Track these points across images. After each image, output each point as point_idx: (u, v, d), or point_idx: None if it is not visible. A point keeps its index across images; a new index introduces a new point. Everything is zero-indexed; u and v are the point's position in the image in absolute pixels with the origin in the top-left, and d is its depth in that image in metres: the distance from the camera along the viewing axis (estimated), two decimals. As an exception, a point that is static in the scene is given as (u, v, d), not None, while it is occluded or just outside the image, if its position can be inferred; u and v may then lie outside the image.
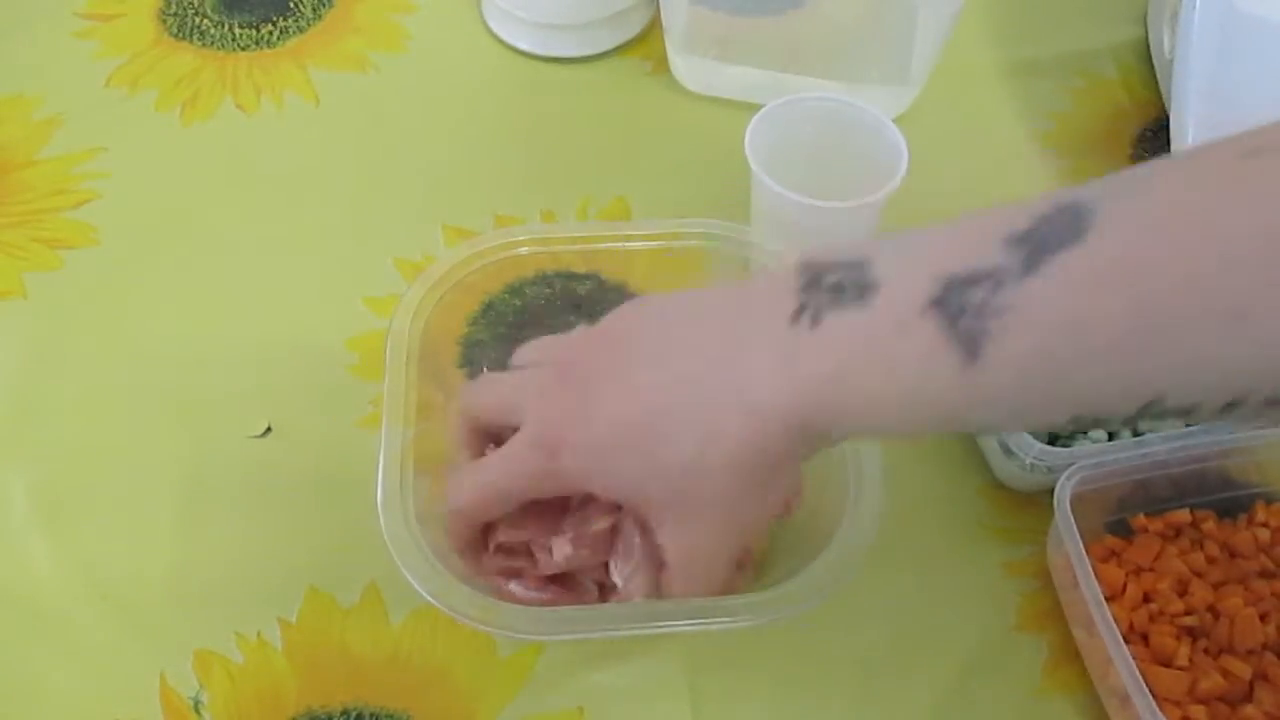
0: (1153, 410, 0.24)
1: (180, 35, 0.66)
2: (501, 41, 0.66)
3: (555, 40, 0.65)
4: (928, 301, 0.26)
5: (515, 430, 0.35)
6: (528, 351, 0.38)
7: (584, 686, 0.42)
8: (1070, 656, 0.43)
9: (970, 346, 0.25)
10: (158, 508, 0.46)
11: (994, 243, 0.26)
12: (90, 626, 0.43)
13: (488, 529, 0.39)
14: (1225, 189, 0.24)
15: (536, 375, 0.36)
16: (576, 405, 0.33)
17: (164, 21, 0.67)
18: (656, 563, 0.36)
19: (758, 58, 0.62)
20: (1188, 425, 0.46)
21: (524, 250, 0.50)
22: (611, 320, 0.35)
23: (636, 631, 0.41)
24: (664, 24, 0.61)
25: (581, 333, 0.36)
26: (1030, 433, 0.45)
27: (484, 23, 0.67)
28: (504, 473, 0.35)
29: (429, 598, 0.38)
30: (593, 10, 0.63)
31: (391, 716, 0.41)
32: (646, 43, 0.66)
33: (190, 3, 0.68)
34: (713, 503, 0.32)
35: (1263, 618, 0.41)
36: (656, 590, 0.37)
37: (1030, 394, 0.26)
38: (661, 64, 0.64)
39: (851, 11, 0.62)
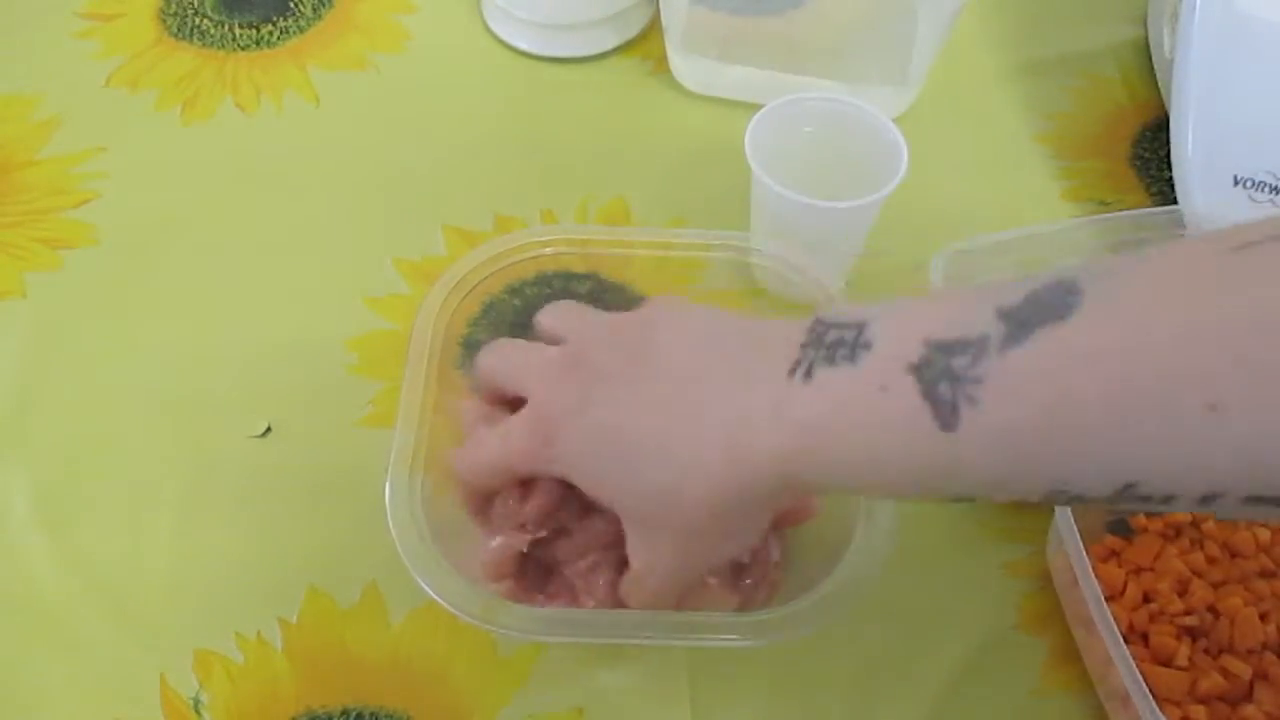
0: (1129, 495, 0.24)
1: (180, 35, 0.66)
2: (501, 41, 0.66)
3: (555, 40, 0.65)
4: (911, 365, 0.27)
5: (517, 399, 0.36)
6: (549, 316, 0.38)
7: (584, 686, 0.42)
8: (1070, 656, 0.43)
9: (947, 413, 0.26)
10: (158, 508, 0.46)
11: (984, 313, 0.26)
12: (90, 626, 0.43)
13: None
14: (1207, 282, 0.24)
15: (546, 356, 0.36)
16: (576, 401, 0.34)
17: (164, 21, 0.67)
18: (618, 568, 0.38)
19: (758, 58, 0.62)
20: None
21: (549, 251, 0.50)
22: (633, 319, 0.36)
23: (638, 641, 0.41)
24: (664, 24, 0.61)
25: (603, 321, 0.37)
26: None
27: (484, 23, 0.67)
28: (501, 451, 0.36)
29: (432, 594, 0.38)
30: (593, 10, 0.63)
31: (391, 716, 0.41)
32: (646, 43, 0.66)
33: (190, 3, 0.68)
34: (679, 530, 0.33)
35: (1263, 617, 0.41)
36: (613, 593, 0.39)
37: (1005, 466, 0.26)
38: (661, 64, 0.64)
39: (851, 11, 0.62)
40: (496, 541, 0.42)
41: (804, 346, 0.30)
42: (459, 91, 0.64)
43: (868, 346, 0.28)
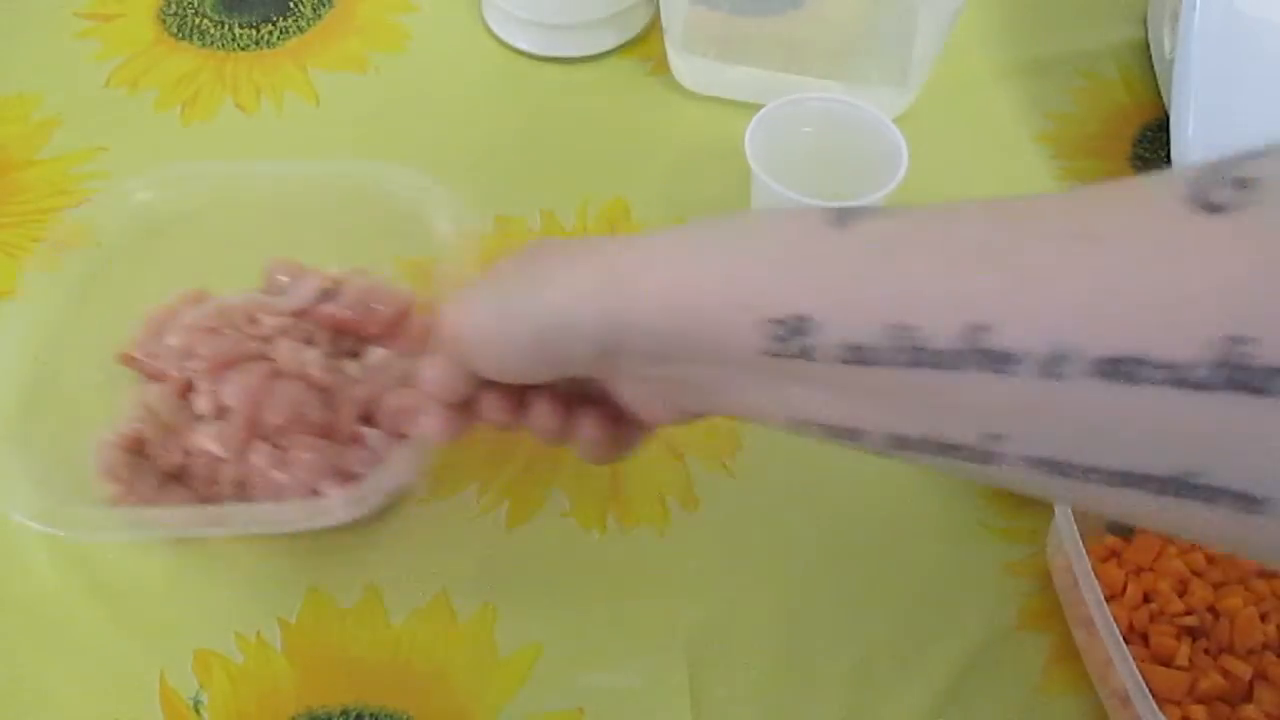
0: (979, 343, 0.21)
1: (180, 35, 0.66)
2: (501, 41, 0.66)
3: (555, 40, 0.65)
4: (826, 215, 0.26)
5: None
6: None
7: (584, 687, 0.42)
8: (1070, 656, 0.43)
9: (841, 216, 0.25)
10: (158, 508, 0.46)
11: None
12: (90, 626, 0.43)
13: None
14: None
15: None
16: None
17: (164, 21, 0.67)
18: None
19: (758, 58, 0.62)
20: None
21: None
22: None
23: (212, 532, 0.43)
24: (664, 24, 0.61)
25: None
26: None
27: (484, 23, 0.67)
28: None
29: None
30: (593, 10, 0.63)
31: (391, 716, 0.41)
32: (646, 43, 0.66)
33: (190, 3, 0.68)
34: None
35: (1263, 617, 0.41)
36: None
37: (876, 268, 0.24)
38: (661, 64, 0.64)
39: (851, 11, 0.62)
40: (105, 436, 0.44)
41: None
42: (459, 91, 0.64)
43: None
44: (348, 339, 0.48)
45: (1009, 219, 0.23)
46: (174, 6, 0.68)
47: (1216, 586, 0.42)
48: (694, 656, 0.43)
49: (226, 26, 0.67)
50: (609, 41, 0.65)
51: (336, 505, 0.40)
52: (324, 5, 0.68)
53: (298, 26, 0.67)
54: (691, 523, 0.46)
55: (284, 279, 0.49)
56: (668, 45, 0.62)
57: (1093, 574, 0.39)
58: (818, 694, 0.42)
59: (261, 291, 0.49)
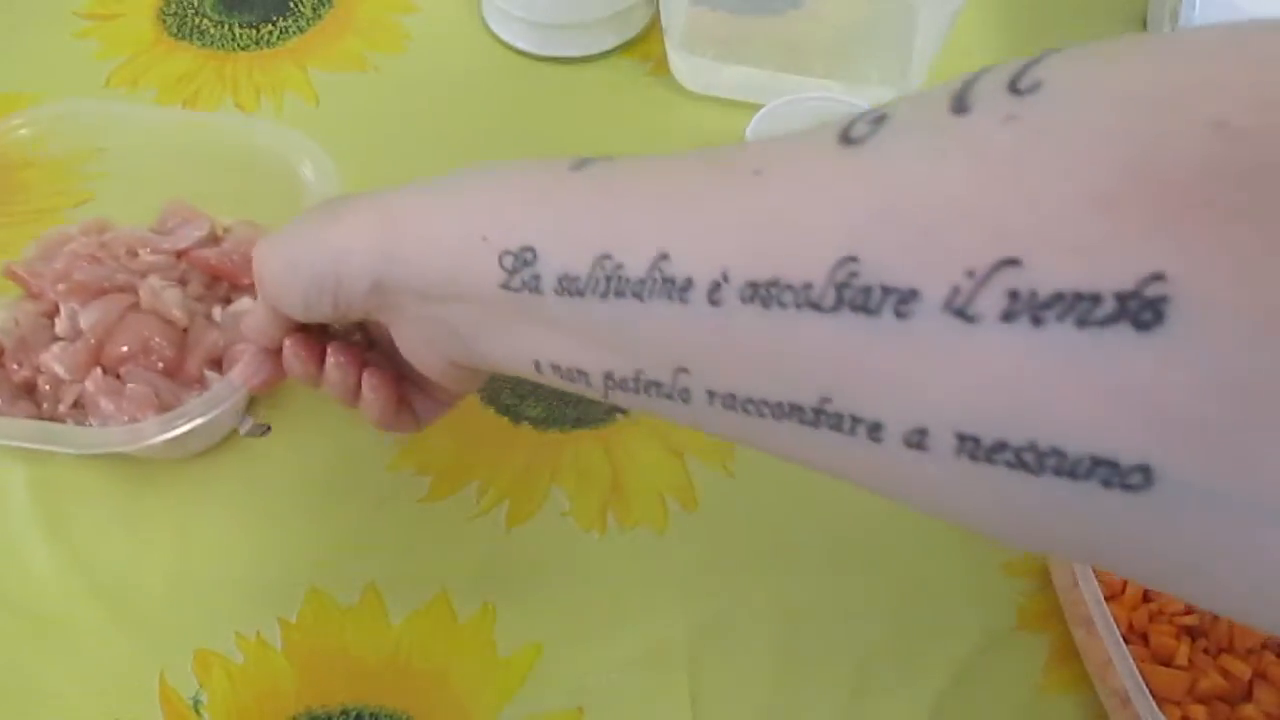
0: (662, 271, 0.23)
1: (180, 35, 0.66)
2: (501, 41, 0.66)
3: (555, 40, 0.65)
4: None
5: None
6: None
7: (584, 686, 0.42)
8: (1070, 656, 0.43)
9: (583, 161, 0.27)
10: (158, 507, 0.46)
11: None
12: (90, 626, 0.43)
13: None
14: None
15: None
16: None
17: (164, 21, 0.67)
18: None
19: (758, 58, 0.62)
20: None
21: None
22: None
23: (56, 449, 0.43)
24: (664, 24, 0.61)
25: None
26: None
27: (484, 23, 0.67)
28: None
29: None
30: (593, 10, 0.63)
31: (391, 716, 0.41)
32: (646, 43, 0.66)
33: (190, 3, 0.68)
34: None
35: (1263, 617, 0.41)
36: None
37: (592, 203, 0.26)
38: (661, 64, 0.64)
39: (851, 11, 0.62)
40: None
41: None
42: (459, 91, 0.64)
43: None
44: (223, 285, 0.50)
45: (712, 160, 0.24)
46: (174, 6, 0.68)
47: (1216, 586, 0.42)
48: (694, 656, 0.43)
49: (226, 26, 0.67)
50: (609, 41, 0.65)
51: (150, 428, 0.41)
52: (324, 5, 0.68)
53: (298, 26, 0.67)
54: (691, 523, 0.46)
55: (174, 220, 0.52)
56: (668, 45, 0.62)
57: (1092, 574, 0.39)
58: (818, 694, 0.42)
59: (152, 229, 0.52)
